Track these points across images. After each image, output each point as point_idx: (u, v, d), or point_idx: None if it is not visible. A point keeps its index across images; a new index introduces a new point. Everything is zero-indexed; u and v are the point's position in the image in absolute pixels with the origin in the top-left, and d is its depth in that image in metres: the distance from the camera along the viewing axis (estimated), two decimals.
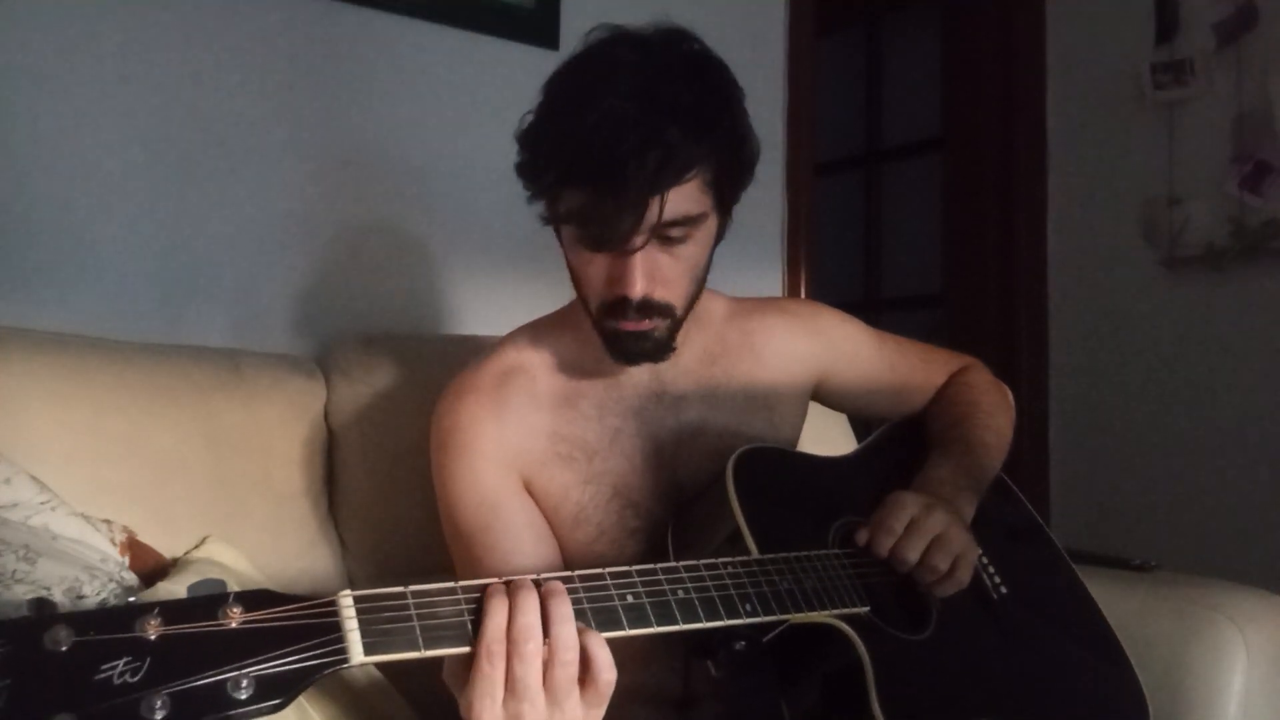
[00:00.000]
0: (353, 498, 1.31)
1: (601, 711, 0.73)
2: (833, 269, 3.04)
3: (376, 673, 1.16)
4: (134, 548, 1.05)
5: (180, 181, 1.44)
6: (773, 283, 2.19)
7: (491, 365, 1.08)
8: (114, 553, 1.01)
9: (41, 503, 0.99)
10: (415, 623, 0.67)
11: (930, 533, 0.95)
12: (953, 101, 2.90)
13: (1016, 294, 2.68)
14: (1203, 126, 2.37)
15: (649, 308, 0.95)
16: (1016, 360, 2.65)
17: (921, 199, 3.17)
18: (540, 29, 1.76)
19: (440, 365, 1.33)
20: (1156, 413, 2.46)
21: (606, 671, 0.72)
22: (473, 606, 0.70)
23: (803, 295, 2.22)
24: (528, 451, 1.04)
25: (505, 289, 1.69)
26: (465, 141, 1.66)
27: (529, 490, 1.05)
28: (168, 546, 1.09)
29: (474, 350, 1.14)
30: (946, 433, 1.16)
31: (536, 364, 1.08)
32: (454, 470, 1.03)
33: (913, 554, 0.94)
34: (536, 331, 1.12)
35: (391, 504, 1.29)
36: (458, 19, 1.69)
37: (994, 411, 1.21)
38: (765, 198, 2.17)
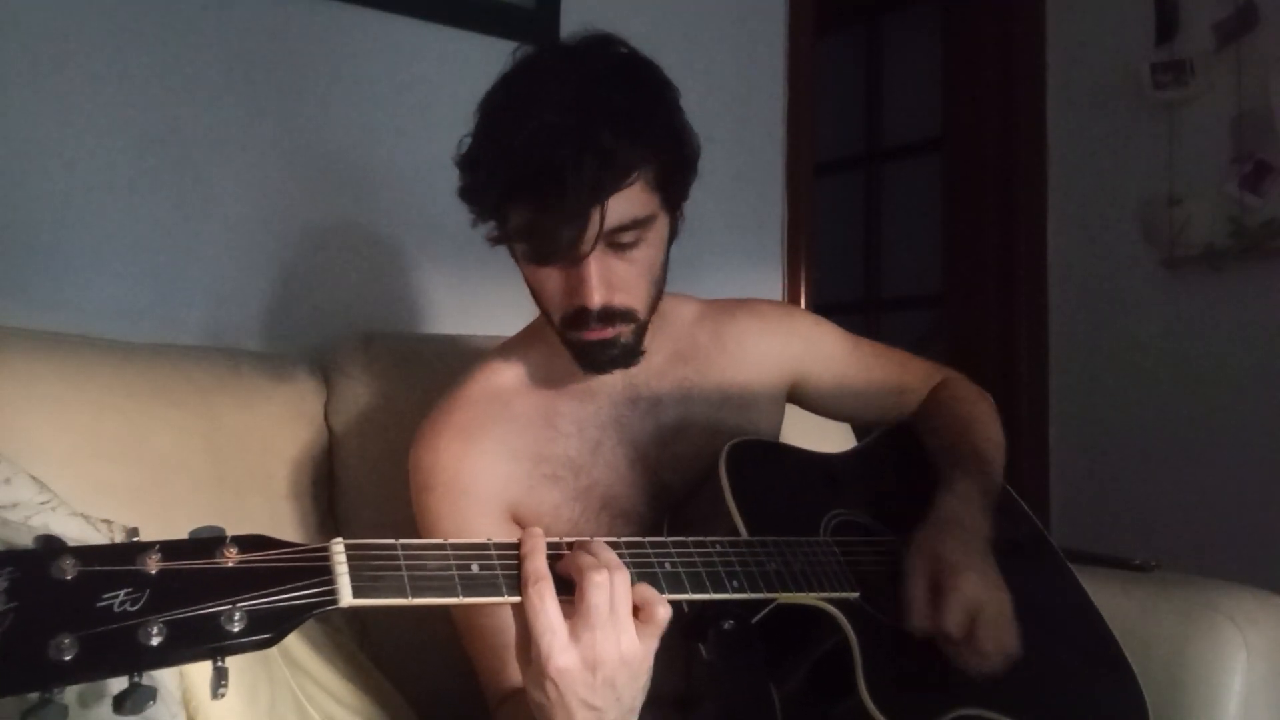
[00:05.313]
0: (353, 498, 1.31)
1: (655, 645, 0.76)
2: (833, 269, 3.04)
3: (378, 674, 1.16)
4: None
5: (178, 181, 1.44)
6: (773, 283, 2.19)
7: (465, 396, 1.07)
8: None
9: (41, 503, 0.98)
10: (404, 572, 0.69)
11: (964, 607, 0.93)
12: (953, 101, 2.90)
13: (1016, 294, 2.68)
14: (1203, 126, 2.37)
15: (610, 315, 0.95)
16: (1016, 360, 2.65)
17: (921, 199, 3.17)
18: (540, 29, 1.76)
19: (439, 365, 1.33)
20: (1156, 413, 2.46)
21: (660, 607, 0.75)
22: (463, 563, 0.72)
23: (803, 295, 2.22)
24: (512, 479, 1.04)
25: (505, 289, 1.68)
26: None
27: (518, 517, 1.05)
28: None
29: (463, 361, 1.13)
30: (954, 446, 1.15)
31: (510, 387, 1.08)
32: (438, 513, 1.02)
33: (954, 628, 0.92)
34: (507, 352, 1.11)
35: (391, 504, 1.28)
36: (458, 18, 1.69)
37: (988, 421, 1.21)
38: (765, 198, 2.18)
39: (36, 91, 1.34)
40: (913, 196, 3.33)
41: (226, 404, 1.23)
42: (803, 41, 2.23)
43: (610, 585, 0.72)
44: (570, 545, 0.76)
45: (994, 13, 2.73)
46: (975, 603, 0.92)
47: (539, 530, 0.75)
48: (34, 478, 0.99)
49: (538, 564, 0.72)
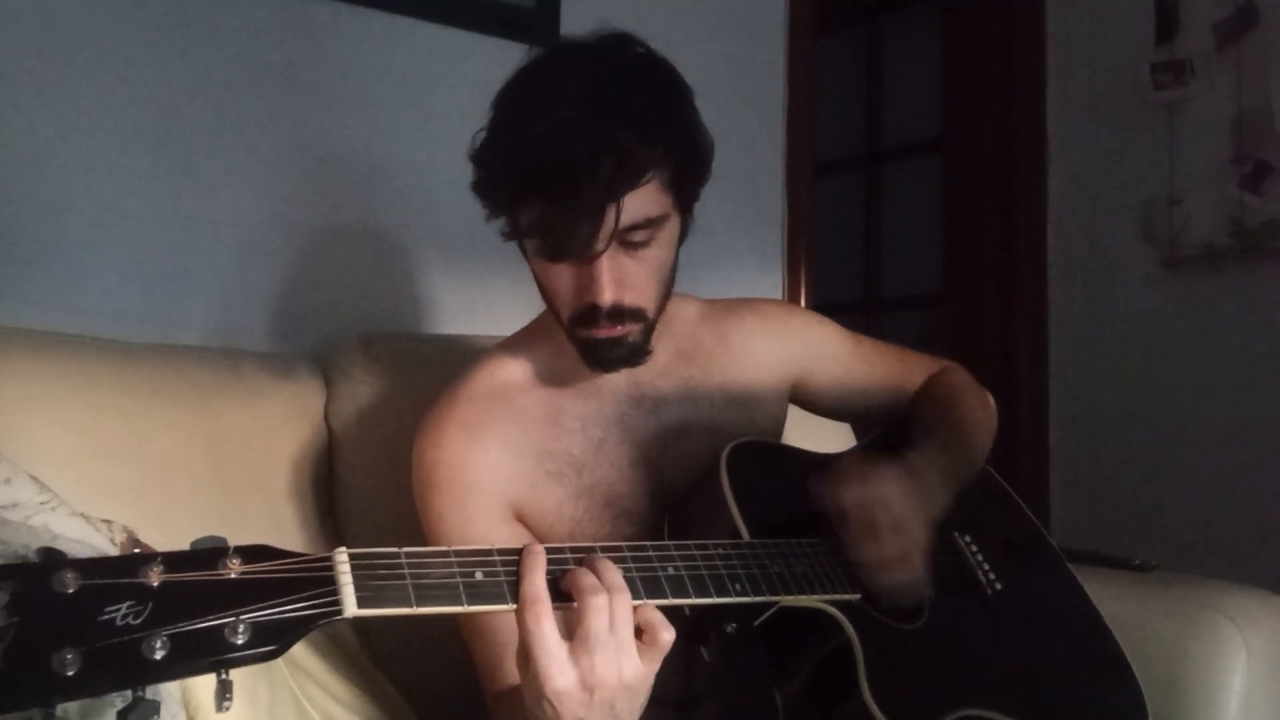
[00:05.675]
0: (353, 498, 1.31)
1: (657, 666, 0.75)
2: (833, 269, 3.04)
3: (378, 674, 1.16)
4: (134, 548, 1.04)
5: (178, 181, 1.44)
6: (773, 283, 2.19)
7: (470, 390, 1.07)
8: (114, 553, 1.01)
9: (41, 503, 0.98)
10: (408, 581, 0.68)
11: (886, 522, 0.90)
12: (953, 101, 2.90)
13: (1016, 294, 2.68)
14: (1203, 126, 2.37)
15: (620, 313, 0.95)
16: (1016, 360, 2.65)
17: (921, 199, 3.17)
18: (540, 29, 1.76)
19: (439, 365, 1.33)
20: (1156, 413, 2.46)
21: (665, 631, 0.75)
22: (466, 570, 0.71)
23: (803, 295, 2.22)
24: (516, 475, 1.04)
25: (505, 289, 1.69)
26: (465, 141, 1.65)
27: (521, 514, 1.04)
28: (168, 547, 1.09)
29: (463, 360, 1.13)
30: (929, 419, 1.15)
31: (515, 383, 1.08)
32: (441, 508, 1.02)
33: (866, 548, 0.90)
34: (512, 347, 1.11)
35: (391, 504, 1.28)
36: (458, 19, 1.69)
37: (975, 407, 1.20)
38: (765, 198, 2.18)
39: (38, 91, 1.34)
40: (913, 196, 3.33)
41: (226, 404, 1.23)
42: (803, 41, 2.23)
43: (610, 609, 0.72)
44: (573, 551, 0.76)
45: (994, 13, 2.73)
46: (881, 496, 0.90)
47: (539, 548, 0.74)
48: (34, 478, 0.99)
49: (535, 585, 0.71)
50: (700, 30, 2.05)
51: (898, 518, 0.91)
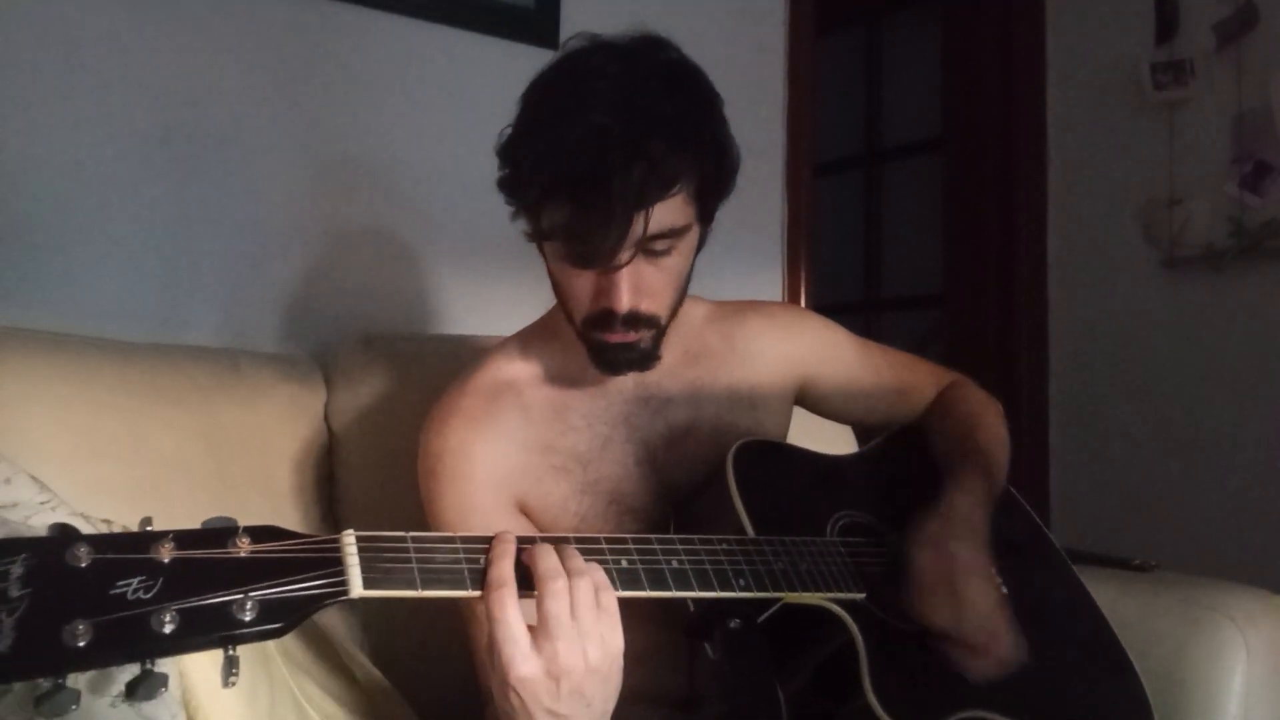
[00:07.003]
0: (353, 498, 1.31)
1: (621, 641, 0.74)
2: (833, 269, 3.04)
3: (378, 675, 1.15)
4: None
5: (179, 181, 1.44)
6: (773, 283, 2.19)
7: (478, 382, 1.07)
8: None
9: (41, 503, 0.98)
10: (414, 564, 0.69)
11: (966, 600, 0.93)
12: (953, 101, 2.90)
13: (1016, 294, 2.68)
14: (1203, 126, 2.37)
15: (635, 320, 0.95)
16: (1016, 360, 2.65)
17: (921, 199, 3.17)
18: (540, 29, 1.76)
19: (440, 365, 1.33)
20: (1156, 413, 2.46)
21: (604, 592, 0.74)
22: (472, 556, 0.72)
23: (803, 295, 2.22)
24: (521, 468, 1.04)
25: (505, 289, 1.69)
26: (465, 141, 1.66)
27: (525, 508, 1.05)
28: None
29: (464, 360, 1.13)
30: (960, 445, 1.15)
31: (523, 377, 1.08)
32: (446, 498, 1.02)
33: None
34: (521, 343, 1.11)
35: (392, 504, 1.28)
36: (457, 19, 1.69)
37: (995, 423, 1.21)
38: (765, 198, 2.18)
39: (43, 91, 1.34)
40: (913, 196, 3.33)
41: (226, 404, 1.23)
42: (803, 41, 2.23)
43: (570, 593, 0.72)
44: (578, 541, 0.76)
45: (994, 13, 2.73)
46: (983, 608, 0.93)
47: (511, 535, 0.74)
48: (34, 478, 0.99)
49: (502, 570, 0.72)
50: (700, 30, 2.04)
51: (994, 612, 0.94)
